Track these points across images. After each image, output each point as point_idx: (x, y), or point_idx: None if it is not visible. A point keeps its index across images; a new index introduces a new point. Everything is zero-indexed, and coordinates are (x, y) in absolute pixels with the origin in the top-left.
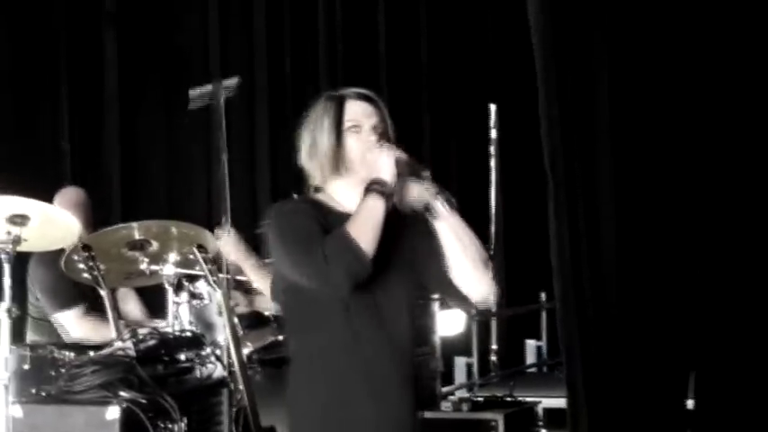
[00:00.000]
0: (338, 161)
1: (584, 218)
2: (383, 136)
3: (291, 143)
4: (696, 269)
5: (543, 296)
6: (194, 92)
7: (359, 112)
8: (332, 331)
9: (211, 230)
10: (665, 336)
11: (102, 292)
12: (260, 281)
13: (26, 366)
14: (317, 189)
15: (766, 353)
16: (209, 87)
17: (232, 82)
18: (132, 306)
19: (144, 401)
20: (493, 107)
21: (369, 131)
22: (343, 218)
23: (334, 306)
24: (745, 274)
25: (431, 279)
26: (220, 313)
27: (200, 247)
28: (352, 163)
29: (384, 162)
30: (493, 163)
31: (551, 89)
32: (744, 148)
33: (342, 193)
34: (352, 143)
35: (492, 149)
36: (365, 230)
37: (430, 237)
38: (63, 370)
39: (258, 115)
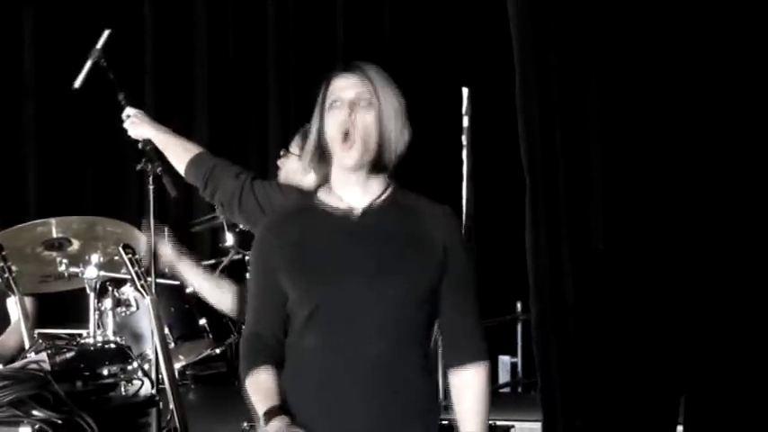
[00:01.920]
0: (324, 145)
1: (566, 220)
2: (356, 107)
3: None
4: (690, 282)
5: (519, 306)
6: (78, 79)
7: (339, 86)
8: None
9: (141, 228)
10: (653, 355)
11: (14, 298)
12: (201, 284)
13: None
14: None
15: (762, 375)
16: (88, 63)
17: (104, 37)
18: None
19: (59, 422)
20: (465, 91)
21: (346, 105)
22: (334, 215)
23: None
24: (742, 290)
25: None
26: (149, 321)
27: (127, 248)
28: (330, 143)
29: None
30: (465, 154)
31: (530, 74)
32: (752, 153)
33: (340, 183)
34: (328, 120)
35: (464, 139)
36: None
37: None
38: None
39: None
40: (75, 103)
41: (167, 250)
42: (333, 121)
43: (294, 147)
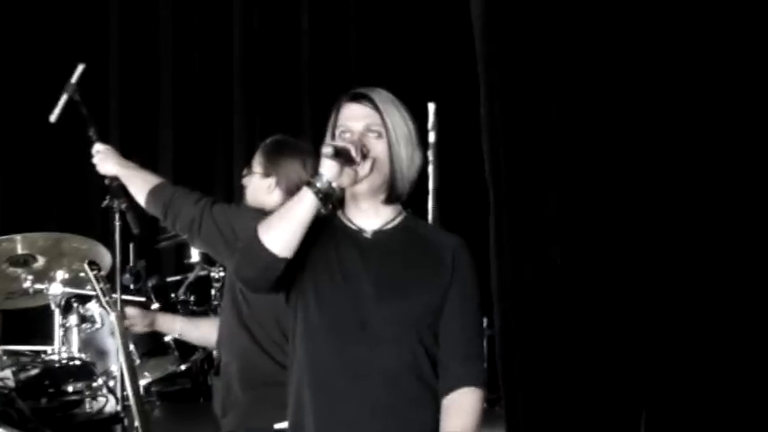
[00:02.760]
0: None
1: (528, 237)
2: (365, 138)
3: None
4: (650, 297)
5: (485, 322)
6: (53, 113)
7: (348, 116)
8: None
9: (107, 245)
10: (615, 371)
11: None
12: (181, 331)
13: None
14: (334, 207)
15: (722, 390)
16: (64, 97)
17: (78, 72)
18: None
19: None
20: (431, 106)
21: (356, 136)
22: (347, 235)
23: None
24: (703, 306)
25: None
26: (114, 338)
27: (93, 264)
28: None
29: (325, 154)
30: (431, 169)
31: (493, 92)
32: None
33: (353, 210)
34: None
35: (430, 154)
36: (275, 223)
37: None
38: None
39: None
40: (40, 121)
41: (137, 321)
42: None
43: (257, 165)
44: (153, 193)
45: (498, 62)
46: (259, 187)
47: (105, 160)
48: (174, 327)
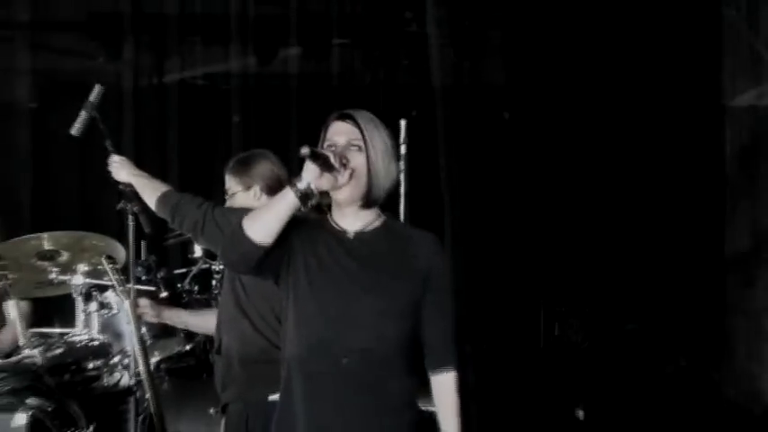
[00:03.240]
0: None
1: (475, 238)
2: (347, 149)
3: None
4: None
5: None
6: (74, 128)
7: (333, 132)
8: (290, 336)
9: (122, 242)
10: (549, 373)
11: (10, 302)
12: (187, 323)
13: None
14: (321, 210)
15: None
16: (83, 114)
17: (96, 92)
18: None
19: (50, 409)
20: (403, 122)
21: (340, 148)
22: (333, 235)
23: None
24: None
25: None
26: (128, 322)
27: (110, 258)
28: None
29: (303, 153)
30: (402, 176)
31: (449, 107)
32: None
33: (338, 213)
34: None
35: (401, 164)
36: (258, 216)
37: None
38: None
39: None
40: (65, 136)
41: (147, 311)
42: None
43: (233, 185)
44: (162, 199)
45: (454, 76)
46: (247, 200)
47: (120, 169)
48: (181, 320)
